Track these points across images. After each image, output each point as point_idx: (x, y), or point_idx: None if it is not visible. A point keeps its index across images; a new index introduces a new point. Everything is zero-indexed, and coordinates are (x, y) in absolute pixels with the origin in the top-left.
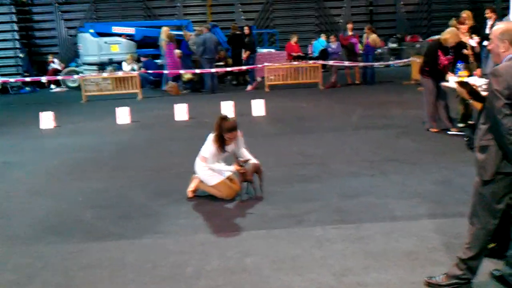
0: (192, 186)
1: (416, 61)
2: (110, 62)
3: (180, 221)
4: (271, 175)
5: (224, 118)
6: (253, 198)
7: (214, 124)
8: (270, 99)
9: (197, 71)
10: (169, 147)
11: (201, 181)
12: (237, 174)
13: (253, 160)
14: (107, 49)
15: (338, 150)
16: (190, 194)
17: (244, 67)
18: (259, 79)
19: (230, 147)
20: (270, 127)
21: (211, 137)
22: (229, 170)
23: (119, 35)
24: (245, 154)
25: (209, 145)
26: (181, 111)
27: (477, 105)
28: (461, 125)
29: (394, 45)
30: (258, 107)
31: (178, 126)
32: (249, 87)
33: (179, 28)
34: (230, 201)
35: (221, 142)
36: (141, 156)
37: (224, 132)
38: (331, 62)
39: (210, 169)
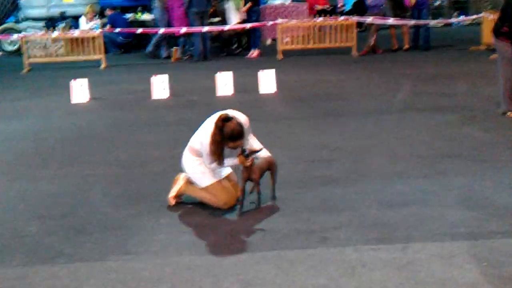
0: (175, 190)
1: (489, 17)
2: (63, 17)
3: (158, 237)
4: (284, 176)
5: (226, 119)
6: (259, 207)
7: (213, 125)
8: (284, 70)
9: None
10: (144, 135)
11: (189, 183)
12: (238, 170)
13: (265, 152)
14: None
15: (378, 142)
16: (172, 201)
17: (245, 25)
18: (269, 41)
19: (231, 151)
20: (284, 109)
21: (209, 129)
22: (230, 163)
23: None
24: (254, 143)
25: (205, 139)
26: (160, 86)
27: None
28: None
29: None
30: (267, 80)
31: (157, 106)
32: (253, 53)
33: None
34: (228, 210)
35: (220, 150)
36: (105, 147)
37: (226, 140)
38: (369, 19)
39: (200, 163)
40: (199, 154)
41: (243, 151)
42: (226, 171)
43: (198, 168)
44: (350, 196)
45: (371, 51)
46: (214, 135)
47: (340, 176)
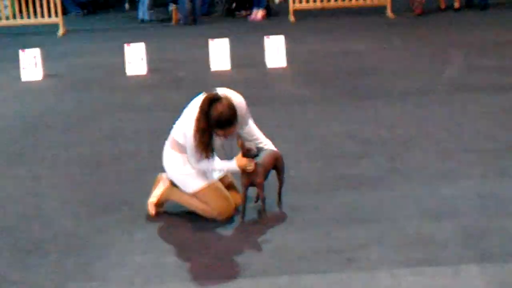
0: (156, 195)
1: None
2: None
3: (133, 258)
4: (298, 176)
5: (213, 99)
6: (265, 215)
7: (198, 108)
8: (298, 37)
9: None
10: (114, 124)
11: (173, 186)
12: (236, 174)
13: (269, 146)
14: None
15: (420, 131)
16: (152, 209)
17: None
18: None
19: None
20: (297, 89)
21: (193, 114)
22: (224, 167)
23: None
24: (255, 133)
25: (188, 129)
26: (136, 59)
27: None
28: None
29: None
30: (275, 51)
31: (131, 85)
32: (256, 14)
33: None
34: (224, 223)
35: (207, 140)
36: (64, 140)
37: (213, 126)
38: None
39: (186, 160)
40: (183, 150)
41: (248, 151)
42: (220, 173)
43: (183, 168)
44: (384, 204)
45: (416, 11)
46: (198, 121)
47: (371, 176)
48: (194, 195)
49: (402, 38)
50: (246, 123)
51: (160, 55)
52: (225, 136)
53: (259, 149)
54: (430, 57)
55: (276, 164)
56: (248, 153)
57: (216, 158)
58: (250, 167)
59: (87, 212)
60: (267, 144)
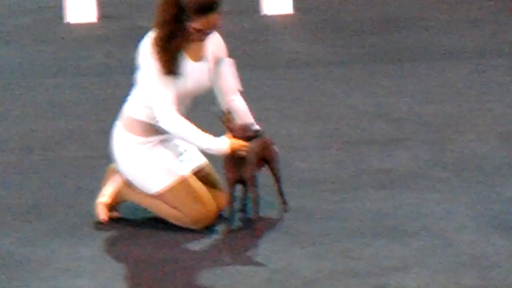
0: (108, 192)
1: None
2: None
3: (75, 283)
4: (305, 169)
5: None
6: (256, 225)
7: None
8: None
9: None
10: (50, 93)
11: (129, 183)
12: (217, 161)
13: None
14: None
15: (477, 108)
16: (103, 213)
17: None
18: None
19: (200, 68)
20: (306, 46)
21: (147, 46)
22: (204, 142)
23: None
24: (229, 80)
25: (149, 69)
26: (80, 1)
27: None
28: None
29: None
30: None
31: (75, 38)
32: None
33: None
34: (202, 232)
35: (176, 46)
36: None
37: (188, 11)
38: None
39: (147, 147)
40: (142, 130)
41: (244, 129)
42: (196, 161)
43: (141, 158)
44: (424, 209)
45: None
46: (160, 10)
47: (408, 171)
48: (159, 196)
49: None
50: (224, 55)
51: None
52: (204, 31)
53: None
54: (494, 4)
55: (267, 155)
56: (245, 132)
57: (194, 128)
58: (243, 152)
59: (11, 216)
60: (253, 125)
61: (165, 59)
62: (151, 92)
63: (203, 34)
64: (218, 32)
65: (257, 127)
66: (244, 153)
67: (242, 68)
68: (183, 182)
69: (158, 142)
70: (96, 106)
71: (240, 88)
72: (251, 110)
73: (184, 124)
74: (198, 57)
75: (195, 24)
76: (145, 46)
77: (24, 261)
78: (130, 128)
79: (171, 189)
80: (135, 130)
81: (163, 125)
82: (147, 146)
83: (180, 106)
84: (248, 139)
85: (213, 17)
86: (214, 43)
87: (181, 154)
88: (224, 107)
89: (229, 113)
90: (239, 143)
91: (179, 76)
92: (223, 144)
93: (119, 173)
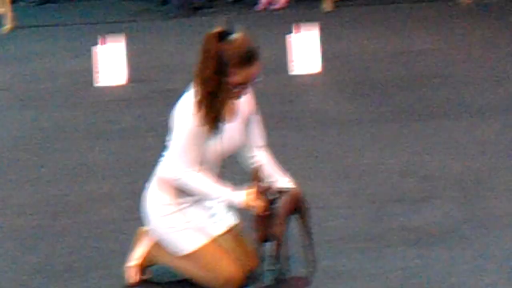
0: (139, 255)
1: None
2: None
3: None
4: (335, 227)
5: (223, 33)
6: (286, 284)
7: (200, 57)
8: (336, 33)
9: None
10: (80, 155)
11: (160, 244)
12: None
13: (285, 183)
14: None
15: (510, 163)
16: (134, 275)
17: None
18: None
19: (234, 128)
20: (334, 104)
21: (185, 106)
22: (223, 195)
23: None
24: (258, 133)
25: (181, 130)
26: (111, 63)
27: None
28: None
29: None
30: (304, 51)
31: (105, 101)
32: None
33: None
34: None
35: (217, 108)
36: (9, 177)
37: (231, 65)
38: None
39: (179, 208)
40: (174, 190)
41: (266, 189)
42: (226, 221)
43: (173, 219)
44: (457, 267)
45: None
46: (201, 67)
47: (439, 228)
48: (189, 257)
49: (482, 31)
50: (255, 112)
51: (144, 58)
52: (245, 84)
53: (279, 192)
54: None
55: (297, 207)
56: (266, 192)
57: (212, 183)
58: (259, 210)
59: (42, 280)
60: (283, 180)
61: (209, 117)
62: (177, 150)
63: (243, 88)
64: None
65: (280, 189)
66: (258, 211)
67: (272, 127)
68: (214, 243)
69: (189, 203)
70: (126, 169)
71: (265, 143)
72: (280, 168)
73: (199, 179)
74: (232, 117)
75: (237, 77)
76: (183, 105)
77: None
78: (162, 189)
79: (202, 250)
80: (168, 191)
81: (177, 182)
82: (179, 207)
83: (213, 167)
84: (268, 200)
85: (254, 68)
86: (246, 101)
87: (212, 215)
88: (248, 163)
89: (257, 172)
90: (252, 202)
91: (217, 135)
92: (239, 197)
93: (149, 235)
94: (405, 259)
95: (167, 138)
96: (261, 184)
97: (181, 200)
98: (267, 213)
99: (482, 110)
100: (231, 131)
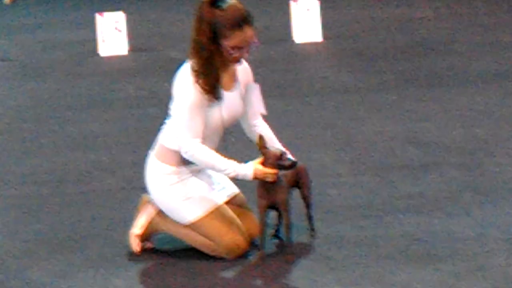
0: (142, 224)
1: None
2: None
3: None
4: (337, 197)
5: (216, 0)
6: (288, 251)
7: (194, 24)
8: (338, 1)
9: None
10: (82, 124)
11: (162, 214)
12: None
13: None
14: None
15: (506, 128)
16: (136, 244)
17: None
18: None
19: (234, 97)
20: (336, 73)
21: (184, 77)
22: (231, 169)
23: None
24: (257, 102)
25: (183, 102)
26: (112, 33)
27: None
28: None
29: None
30: (306, 20)
31: (106, 71)
32: None
33: None
34: (235, 262)
35: (215, 75)
36: (14, 148)
37: (224, 30)
38: None
39: (181, 178)
40: (176, 160)
41: (278, 157)
42: (227, 190)
43: (175, 188)
44: (459, 235)
45: None
46: (195, 33)
47: (441, 196)
48: (192, 227)
49: (483, 2)
50: (252, 80)
51: (146, 28)
52: (241, 48)
53: (289, 163)
54: None
55: (300, 179)
56: (278, 161)
57: (218, 155)
58: (271, 178)
59: (46, 248)
60: (281, 149)
61: (208, 84)
62: (180, 122)
63: (240, 52)
64: (246, 59)
65: (291, 157)
66: (270, 179)
67: (273, 96)
68: (216, 212)
69: (191, 172)
70: (128, 138)
71: (265, 112)
72: (282, 137)
73: (207, 152)
74: (231, 86)
75: (232, 41)
76: (182, 75)
77: None
78: (163, 158)
79: (205, 219)
80: (169, 160)
81: (186, 155)
82: (181, 176)
83: (213, 137)
84: (281, 168)
85: (248, 31)
86: (243, 70)
87: (214, 184)
88: (249, 132)
89: (262, 139)
90: (264, 170)
91: (217, 104)
92: (248, 170)
93: (152, 203)
94: (407, 226)
95: (170, 107)
96: (271, 151)
97: (183, 169)
98: (275, 180)
99: (483, 78)
100: (231, 99)
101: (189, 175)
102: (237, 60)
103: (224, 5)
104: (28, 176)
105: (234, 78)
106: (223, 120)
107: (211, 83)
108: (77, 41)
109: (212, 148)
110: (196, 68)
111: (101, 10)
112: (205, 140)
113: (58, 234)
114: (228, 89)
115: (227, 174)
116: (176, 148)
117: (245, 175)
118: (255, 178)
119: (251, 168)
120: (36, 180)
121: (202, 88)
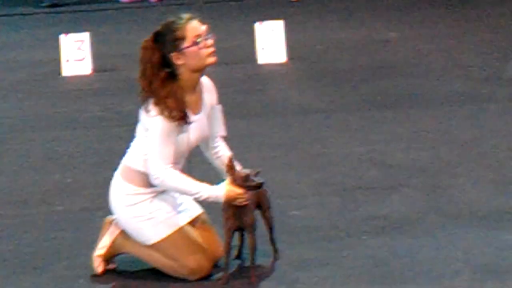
0: (104, 245)
1: None
2: None
3: None
4: (301, 217)
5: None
6: (252, 273)
7: (143, 61)
8: (302, 22)
9: None
10: (45, 144)
11: (125, 234)
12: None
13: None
14: None
15: (472, 153)
16: (99, 266)
17: None
18: None
19: (201, 120)
20: (301, 94)
21: (149, 114)
22: (201, 192)
23: None
24: (224, 149)
25: (154, 132)
26: (76, 53)
27: None
28: None
29: None
30: (270, 41)
31: (70, 91)
32: None
33: None
34: (198, 281)
35: (179, 99)
36: None
37: (181, 37)
38: None
39: (144, 198)
40: (140, 180)
41: (245, 178)
42: (191, 211)
43: (138, 208)
44: (421, 255)
45: None
46: (145, 55)
47: (404, 217)
48: (155, 247)
49: (447, 22)
50: (216, 102)
51: (109, 48)
52: (204, 35)
53: (248, 176)
54: (487, 49)
55: (261, 201)
56: (246, 182)
57: (189, 179)
58: (242, 200)
59: (6, 272)
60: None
61: (176, 110)
62: (152, 149)
63: (206, 43)
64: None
65: (259, 178)
66: (242, 202)
67: (238, 117)
68: (180, 233)
69: (155, 192)
70: (92, 159)
71: (225, 134)
72: (245, 158)
73: (178, 178)
74: (197, 109)
75: (190, 33)
76: (147, 115)
77: None
78: (128, 179)
79: (168, 240)
80: (134, 180)
81: (156, 181)
82: (144, 196)
83: (181, 159)
84: (249, 188)
85: (194, 21)
86: (208, 91)
87: (177, 205)
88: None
89: (231, 161)
90: (236, 191)
91: (184, 129)
92: (219, 192)
93: (115, 224)
94: (371, 247)
95: (136, 128)
96: (238, 173)
97: (146, 190)
98: (246, 202)
99: (447, 100)
100: (198, 122)
101: (153, 196)
102: (212, 54)
103: (162, 30)
104: None
105: (200, 100)
106: (190, 143)
107: (179, 109)
108: (40, 61)
109: (179, 170)
110: (157, 102)
111: (65, 30)
112: (173, 165)
113: (21, 255)
114: (195, 112)
115: (198, 197)
116: (141, 169)
117: (217, 197)
118: (227, 200)
119: (223, 190)
120: None
121: (170, 117)
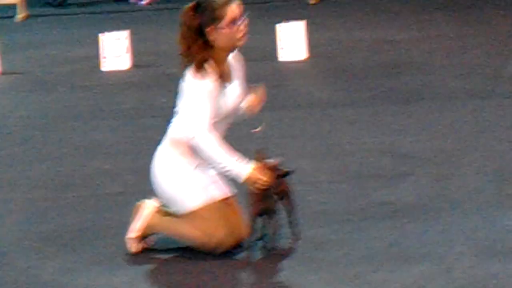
0: (139, 225)
1: None
2: None
3: None
4: (318, 203)
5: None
6: (274, 253)
7: (183, 29)
8: (321, 23)
9: None
10: (86, 135)
11: (161, 213)
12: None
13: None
14: None
15: (477, 145)
16: (134, 245)
17: None
18: None
19: (234, 88)
20: (319, 89)
21: (190, 77)
22: (228, 165)
23: None
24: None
25: (195, 91)
26: (115, 50)
27: None
28: None
29: None
30: (291, 40)
31: (109, 84)
32: None
33: None
34: (225, 261)
35: (218, 64)
36: (22, 155)
37: (218, 17)
38: None
39: (186, 168)
40: (183, 151)
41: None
42: (227, 189)
43: (181, 174)
44: (428, 238)
45: None
46: (186, 21)
47: (413, 203)
48: (191, 216)
49: (455, 23)
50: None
51: (147, 45)
52: (239, 19)
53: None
54: (490, 50)
55: (282, 187)
56: (274, 171)
57: (222, 149)
58: (261, 185)
59: (51, 249)
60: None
61: (216, 72)
62: (191, 109)
63: (239, 26)
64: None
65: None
66: (259, 187)
67: (260, 110)
68: (214, 205)
69: (198, 164)
70: (128, 147)
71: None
72: (269, 146)
73: (211, 142)
74: (230, 79)
75: (224, 21)
76: (189, 77)
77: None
78: (172, 149)
79: (203, 210)
80: (177, 150)
81: (192, 140)
82: (188, 166)
83: (220, 125)
84: (277, 177)
85: (234, 4)
86: (237, 61)
87: (216, 181)
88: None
89: (262, 150)
90: (258, 176)
91: (222, 93)
92: (243, 171)
93: (148, 206)
94: (382, 230)
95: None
96: (268, 160)
97: (189, 160)
98: (268, 188)
99: (454, 95)
100: (232, 92)
101: (195, 166)
102: (244, 37)
103: (204, 4)
104: (36, 181)
105: (230, 71)
106: (227, 107)
107: (217, 71)
108: (82, 57)
109: (219, 137)
110: (197, 64)
111: (105, 29)
112: (213, 131)
113: (63, 235)
114: (229, 81)
115: (221, 168)
116: (184, 138)
117: (237, 175)
118: (247, 181)
119: (246, 171)
120: (43, 185)
121: (209, 78)
